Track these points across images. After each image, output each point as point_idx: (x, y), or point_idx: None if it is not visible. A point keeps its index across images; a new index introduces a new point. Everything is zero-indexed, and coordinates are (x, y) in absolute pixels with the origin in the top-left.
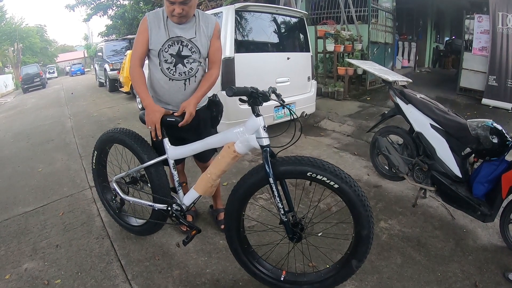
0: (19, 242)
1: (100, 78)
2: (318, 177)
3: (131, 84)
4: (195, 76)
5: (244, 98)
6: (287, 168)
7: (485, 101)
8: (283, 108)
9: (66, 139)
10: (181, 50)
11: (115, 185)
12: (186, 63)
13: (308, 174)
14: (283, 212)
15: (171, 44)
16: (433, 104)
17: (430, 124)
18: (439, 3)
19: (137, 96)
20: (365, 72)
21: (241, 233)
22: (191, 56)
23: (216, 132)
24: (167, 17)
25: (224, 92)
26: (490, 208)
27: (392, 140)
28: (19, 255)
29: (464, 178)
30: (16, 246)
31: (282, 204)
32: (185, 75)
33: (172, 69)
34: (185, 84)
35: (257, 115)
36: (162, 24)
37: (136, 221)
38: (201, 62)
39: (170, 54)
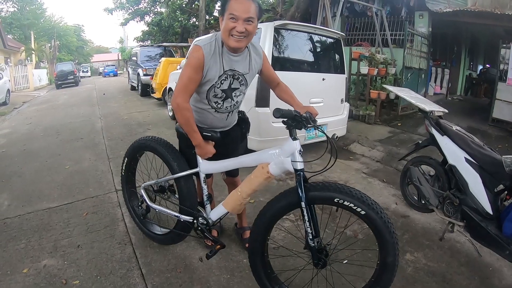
0: (40, 237)
1: (133, 82)
2: (345, 203)
3: (163, 91)
4: (238, 108)
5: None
6: (315, 194)
7: None
8: (315, 129)
9: (95, 139)
10: (231, 83)
11: (143, 192)
12: (234, 96)
13: (335, 200)
14: (311, 238)
15: (224, 78)
16: (468, 137)
17: (465, 157)
18: (474, 30)
19: (168, 104)
20: (397, 97)
21: (265, 258)
22: (239, 88)
23: (245, 149)
24: (222, 44)
25: (257, 108)
26: None
27: (424, 171)
28: (39, 251)
29: (495, 215)
30: (37, 241)
31: (312, 230)
32: (231, 108)
33: (220, 103)
34: (228, 115)
35: (294, 138)
36: (218, 57)
37: (159, 230)
38: (245, 93)
39: (221, 90)
